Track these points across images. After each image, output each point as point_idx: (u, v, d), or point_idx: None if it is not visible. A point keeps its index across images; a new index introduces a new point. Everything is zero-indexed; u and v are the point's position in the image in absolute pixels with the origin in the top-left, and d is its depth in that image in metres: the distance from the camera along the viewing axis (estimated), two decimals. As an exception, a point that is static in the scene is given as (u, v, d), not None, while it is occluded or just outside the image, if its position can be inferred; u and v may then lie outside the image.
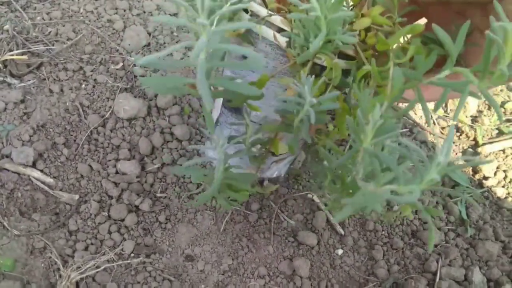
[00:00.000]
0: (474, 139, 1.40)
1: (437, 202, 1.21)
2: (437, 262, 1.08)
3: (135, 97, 1.23)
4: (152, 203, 1.08)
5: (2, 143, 1.10)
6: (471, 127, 1.43)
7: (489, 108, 1.50)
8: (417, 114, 1.43)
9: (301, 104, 0.61)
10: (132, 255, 1.01)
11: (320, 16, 0.54)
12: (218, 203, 0.75)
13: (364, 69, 0.63)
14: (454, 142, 1.39)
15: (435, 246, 1.12)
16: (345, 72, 0.70)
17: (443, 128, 1.43)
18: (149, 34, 1.41)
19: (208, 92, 0.41)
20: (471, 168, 1.33)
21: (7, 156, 1.08)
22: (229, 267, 1.03)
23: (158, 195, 1.10)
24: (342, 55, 0.70)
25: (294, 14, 0.58)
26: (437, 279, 1.05)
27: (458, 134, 1.41)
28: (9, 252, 0.95)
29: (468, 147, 1.38)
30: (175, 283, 0.99)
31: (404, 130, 1.38)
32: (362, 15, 0.66)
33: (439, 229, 1.15)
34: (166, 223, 1.07)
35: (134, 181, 1.10)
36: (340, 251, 1.09)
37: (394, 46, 0.62)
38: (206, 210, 1.10)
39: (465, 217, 1.19)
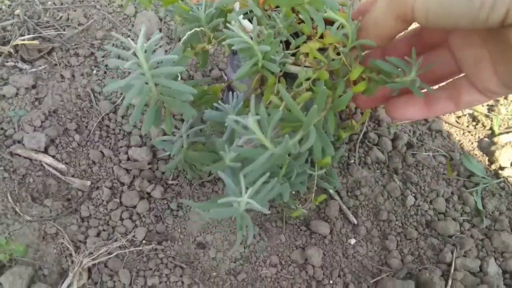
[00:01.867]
0: (490, 128, 1.37)
1: (452, 193, 1.19)
2: (452, 253, 1.06)
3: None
4: (164, 190, 1.07)
5: (14, 128, 1.10)
6: (487, 116, 1.40)
7: (505, 98, 1.46)
8: (432, 103, 1.41)
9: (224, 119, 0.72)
10: (144, 242, 1.00)
11: (253, 46, 0.67)
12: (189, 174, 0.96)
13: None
14: (469, 132, 1.36)
15: (450, 237, 1.10)
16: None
17: (458, 117, 1.40)
18: (161, 20, 1.39)
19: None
20: (487, 158, 1.30)
21: (18, 142, 1.08)
22: (240, 255, 1.02)
23: (170, 182, 1.09)
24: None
25: (232, 40, 0.67)
26: (452, 270, 1.03)
27: (474, 123, 1.38)
28: (21, 237, 0.95)
29: (484, 137, 1.35)
30: (186, 270, 0.98)
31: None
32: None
33: (454, 219, 1.13)
34: (178, 210, 1.06)
35: (145, 168, 1.09)
36: (353, 241, 1.08)
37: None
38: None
39: (480, 207, 1.16)
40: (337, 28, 0.62)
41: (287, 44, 0.78)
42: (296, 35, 0.80)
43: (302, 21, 0.79)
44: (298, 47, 0.79)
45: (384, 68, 0.60)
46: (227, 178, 0.59)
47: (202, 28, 0.81)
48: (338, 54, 0.67)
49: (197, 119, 0.92)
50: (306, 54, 0.75)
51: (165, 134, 1.15)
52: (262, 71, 0.76)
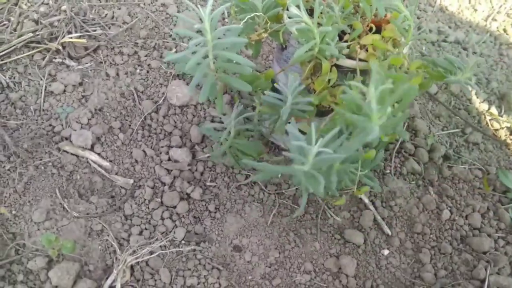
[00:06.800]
0: (529, 143, 1.36)
1: (488, 208, 1.18)
2: (486, 269, 1.07)
3: (187, 84, 1.24)
4: (203, 192, 1.10)
5: (62, 125, 1.13)
6: (526, 130, 1.38)
7: (545, 111, 1.44)
8: (470, 114, 1.40)
9: (283, 101, 0.78)
10: (183, 242, 1.03)
11: (313, 29, 0.69)
12: (229, 160, 1.01)
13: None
14: (507, 145, 1.35)
15: (484, 253, 1.10)
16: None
17: (496, 130, 1.39)
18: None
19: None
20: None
21: (66, 138, 1.11)
22: (275, 260, 1.05)
23: (208, 184, 1.12)
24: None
25: (292, 25, 0.72)
26: (485, 287, 1.04)
27: (512, 137, 1.37)
28: (68, 233, 0.99)
29: (522, 152, 1.34)
30: (223, 272, 1.01)
31: (456, 130, 1.35)
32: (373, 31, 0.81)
33: (489, 235, 1.13)
34: (215, 212, 1.09)
35: (185, 169, 1.12)
36: (386, 252, 1.09)
37: None
38: (254, 201, 1.11)
39: (516, 225, 1.16)
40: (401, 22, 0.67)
41: (339, 38, 0.81)
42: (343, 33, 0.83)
43: (357, 11, 0.82)
44: (352, 40, 0.81)
45: (441, 64, 0.63)
46: (292, 129, 0.59)
47: (261, 14, 0.83)
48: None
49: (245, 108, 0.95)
50: (362, 46, 0.78)
51: (204, 137, 1.18)
52: (317, 56, 0.77)
